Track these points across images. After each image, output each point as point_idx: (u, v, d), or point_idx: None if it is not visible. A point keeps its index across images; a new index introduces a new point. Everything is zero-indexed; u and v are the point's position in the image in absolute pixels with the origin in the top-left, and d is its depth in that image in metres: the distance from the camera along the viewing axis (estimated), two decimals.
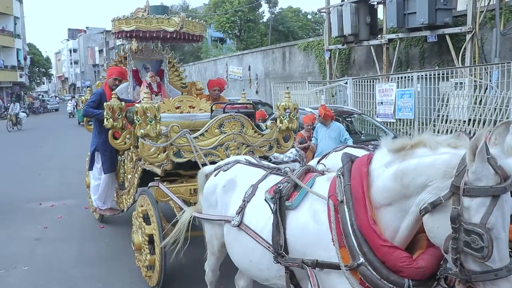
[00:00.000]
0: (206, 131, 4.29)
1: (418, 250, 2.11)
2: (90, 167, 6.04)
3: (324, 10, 14.85)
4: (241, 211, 2.83)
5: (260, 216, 2.71)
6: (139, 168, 4.84)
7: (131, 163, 5.14)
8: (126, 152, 5.34)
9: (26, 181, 9.50)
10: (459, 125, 8.67)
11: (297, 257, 2.39)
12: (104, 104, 5.03)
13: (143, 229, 4.25)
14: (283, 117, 4.74)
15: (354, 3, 12.92)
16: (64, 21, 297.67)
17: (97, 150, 5.78)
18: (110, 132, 5.07)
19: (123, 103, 5.09)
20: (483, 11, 10.08)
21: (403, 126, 10.13)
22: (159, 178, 4.37)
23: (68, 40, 78.68)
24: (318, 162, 3.64)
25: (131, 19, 5.25)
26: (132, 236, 4.48)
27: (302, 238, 2.40)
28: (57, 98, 57.17)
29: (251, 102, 5.52)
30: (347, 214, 2.16)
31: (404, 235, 2.09)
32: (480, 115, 8.28)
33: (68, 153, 13.37)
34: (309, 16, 41.01)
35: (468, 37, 10.05)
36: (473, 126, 8.35)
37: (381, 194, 2.11)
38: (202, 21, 5.84)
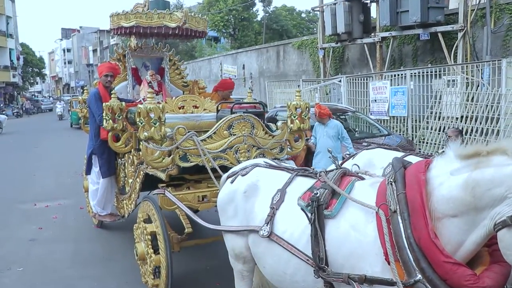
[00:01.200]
0: (214, 133, 4.04)
1: (479, 266, 1.92)
2: (88, 171, 5.73)
3: (318, 9, 14.89)
4: (271, 219, 2.61)
5: (294, 225, 2.50)
6: (141, 172, 4.54)
7: (132, 166, 4.85)
8: (126, 155, 5.05)
9: (20, 182, 9.47)
10: (451, 122, 8.74)
11: (336, 269, 2.22)
12: (104, 104, 4.76)
13: (149, 244, 3.98)
14: (294, 117, 4.55)
15: (347, 1, 12.96)
16: (58, 20, 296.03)
17: (94, 153, 5.47)
18: (110, 134, 4.81)
19: (123, 103, 4.82)
20: (474, 10, 10.16)
21: (397, 123, 10.20)
22: (164, 185, 4.11)
23: (61, 39, 78.22)
24: (343, 162, 3.51)
25: (131, 14, 4.98)
26: (135, 246, 4.27)
27: (342, 249, 2.22)
28: (51, 98, 56.85)
29: (260, 101, 5.33)
30: (401, 225, 1.97)
31: (469, 250, 1.90)
32: (472, 112, 8.36)
33: (62, 155, 13.32)
34: (303, 15, 41.05)
35: (460, 35, 10.13)
36: (465, 123, 8.43)
37: (445, 204, 1.91)
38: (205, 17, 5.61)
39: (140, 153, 4.43)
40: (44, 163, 11.80)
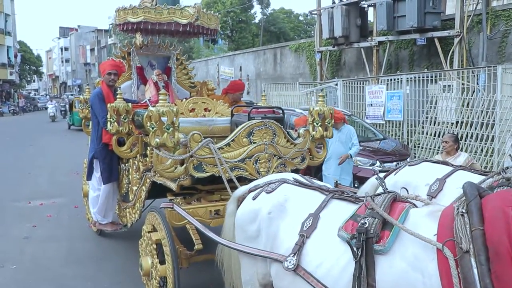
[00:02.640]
0: (232, 140, 3.69)
1: None
2: (88, 177, 5.37)
3: (315, 12, 14.95)
4: (299, 250, 2.21)
5: (331, 261, 2.08)
6: (148, 180, 4.20)
7: (138, 173, 4.50)
8: (131, 160, 4.71)
9: (14, 180, 9.43)
10: (447, 127, 8.79)
11: None
12: (108, 105, 4.44)
13: (155, 260, 3.69)
14: (317, 123, 4.23)
15: (345, 5, 13.03)
16: (56, 19, 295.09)
17: (95, 157, 5.11)
18: (114, 138, 4.49)
19: (129, 104, 4.52)
20: (470, 16, 10.23)
21: (392, 127, 10.24)
22: (172, 197, 3.84)
23: (59, 38, 78.01)
24: (385, 177, 3.32)
25: (139, 9, 4.65)
26: (139, 262, 3.95)
27: None
28: (48, 96, 56.68)
29: (279, 106, 4.98)
30: (475, 271, 1.58)
31: None
32: (468, 118, 8.41)
33: (57, 153, 13.28)
34: (301, 18, 41.18)
35: (456, 40, 10.20)
36: (460, 128, 8.48)
37: None
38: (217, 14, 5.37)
39: (147, 159, 4.22)
40: (39, 161, 11.77)
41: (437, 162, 3.54)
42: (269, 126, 3.79)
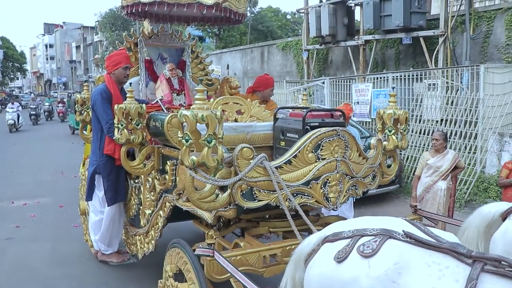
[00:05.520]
0: (294, 156, 2.86)
1: None
2: (88, 196, 4.43)
3: (303, 11, 14.99)
4: None
5: None
6: (167, 204, 3.33)
7: (152, 194, 3.63)
8: (143, 176, 3.81)
9: None
10: (432, 125, 8.90)
11: None
12: (116, 107, 3.56)
13: None
14: (390, 131, 3.43)
15: (332, 4, 13.08)
16: (40, 15, 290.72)
17: (97, 172, 4.19)
18: (123, 149, 3.64)
19: (143, 105, 3.63)
20: (454, 16, 10.37)
21: None
22: (212, 243, 2.90)
23: (44, 35, 76.88)
24: (505, 217, 2.32)
25: None
26: None
27: None
28: (32, 94, 55.85)
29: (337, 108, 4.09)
30: None
31: None
32: (452, 115, 8.52)
33: (42, 152, 13.10)
34: (288, 16, 41.23)
35: (440, 40, 10.32)
36: (445, 126, 8.59)
37: None
38: None
39: (166, 176, 3.39)
40: (23, 161, 11.59)
41: None
42: (342, 136, 2.98)
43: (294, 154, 2.87)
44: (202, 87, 2.67)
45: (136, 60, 4.60)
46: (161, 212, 3.45)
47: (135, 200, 4.13)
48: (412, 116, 9.40)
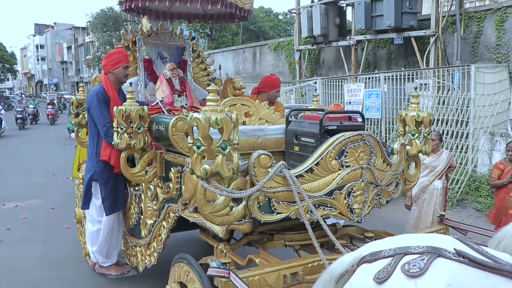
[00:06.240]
0: (316, 163, 2.61)
1: None
2: (85, 205, 4.14)
3: (295, 11, 15.02)
4: None
5: None
6: (171, 214, 3.13)
7: (155, 203, 3.41)
8: (144, 184, 3.57)
9: None
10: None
11: None
12: (114, 109, 3.33)
13: None
14: (413, 135, 3.20)
15: (323, 4, 13.12)
16: (31, 16, 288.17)
17: (94, 179, 3.94)
18: (123, 155, 3.39)
19: (145, 107, 3.39)
20: (445, 16, 10.45)
21: (371, 125, 10.38)
22: (227, 262, 2.50)
23: (34, 35, 76.24)
24: None
25: None
26: None
27: None
28: (23, 95, 55.37)
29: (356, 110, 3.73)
30: None
31: None
32: (443, 115, 8.59)
33: (33, 154, 12.98)
34: (280, 17, 41.31)
35: (432, 40, 10.40)
36: (436, 126, 8.65)
37: None
38: None
39: (170, 184, 3.16)
40: (14, 162, 11.48)
41: None
42: (368, 141, 2.75)
43: (316, 161, 2.61)
44: (214, 86, 2.39)
45: (134, 60, 4.35)
46: (164, 223, 3.24)
47: (135, 209, 3.89)
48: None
